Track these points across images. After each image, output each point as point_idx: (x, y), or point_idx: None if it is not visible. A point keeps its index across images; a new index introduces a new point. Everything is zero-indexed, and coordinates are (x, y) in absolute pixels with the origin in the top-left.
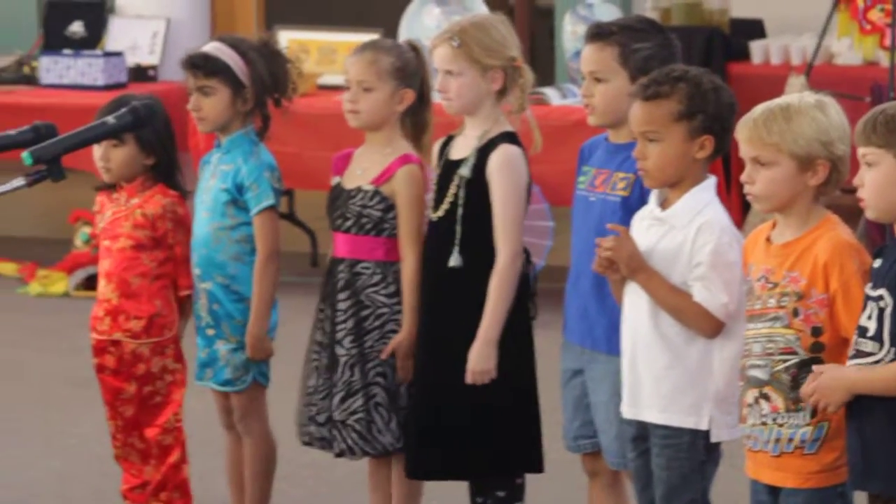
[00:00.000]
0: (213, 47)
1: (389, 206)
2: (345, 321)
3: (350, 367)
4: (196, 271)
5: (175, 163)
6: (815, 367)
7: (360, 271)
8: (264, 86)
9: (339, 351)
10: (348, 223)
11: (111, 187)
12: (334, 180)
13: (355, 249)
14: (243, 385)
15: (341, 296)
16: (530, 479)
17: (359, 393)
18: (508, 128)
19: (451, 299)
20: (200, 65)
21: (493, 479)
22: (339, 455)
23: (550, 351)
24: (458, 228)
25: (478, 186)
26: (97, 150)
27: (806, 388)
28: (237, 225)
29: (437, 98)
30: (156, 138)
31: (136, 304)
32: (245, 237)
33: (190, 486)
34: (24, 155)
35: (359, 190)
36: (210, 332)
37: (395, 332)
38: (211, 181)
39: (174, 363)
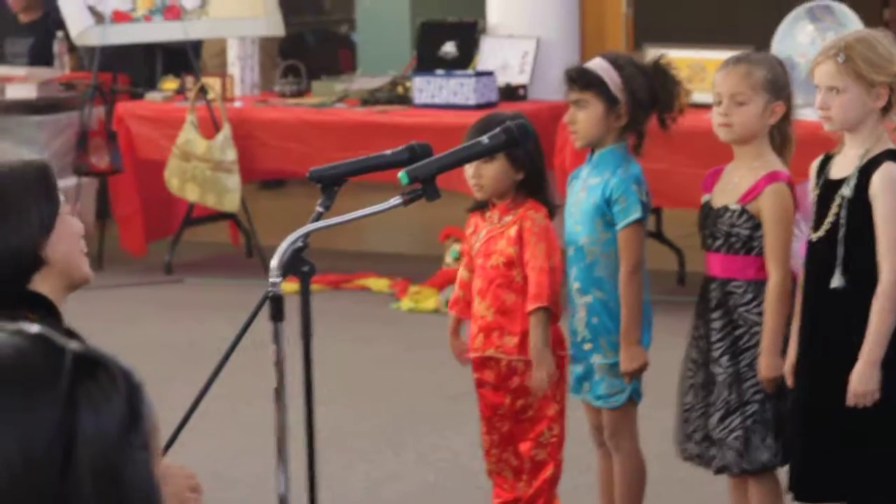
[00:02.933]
0: (593, 62)
1: (757, 225)
2: (720, 340)
3: (728, 385)
4: (575, 285)
5: (544, 177)
6: None
7: (731, 290)
8: (640, 103)
9: (716, 370)
10: (718, 242)
11: (483, 207)
12: (704, 198)
13: (727, 268)
14: (617, 402)
15: (715, 314)
16: None
17: (736, 412)
18: (891, 145)
19: (832, 321)
20: (576, 78)
21: (878, 500)
22: (719, 472)
23: None
24: (841, 249)
25: (860, 206)
26: (468, 168)
27: None
28: (608, 239)
29: (801, 114)
30: (525, 154)
31: (509, 320)
32: (616, 252)
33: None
34: (401, 174)
35: (726, 209)
36: (587, 346)
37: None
38: (581, 194)
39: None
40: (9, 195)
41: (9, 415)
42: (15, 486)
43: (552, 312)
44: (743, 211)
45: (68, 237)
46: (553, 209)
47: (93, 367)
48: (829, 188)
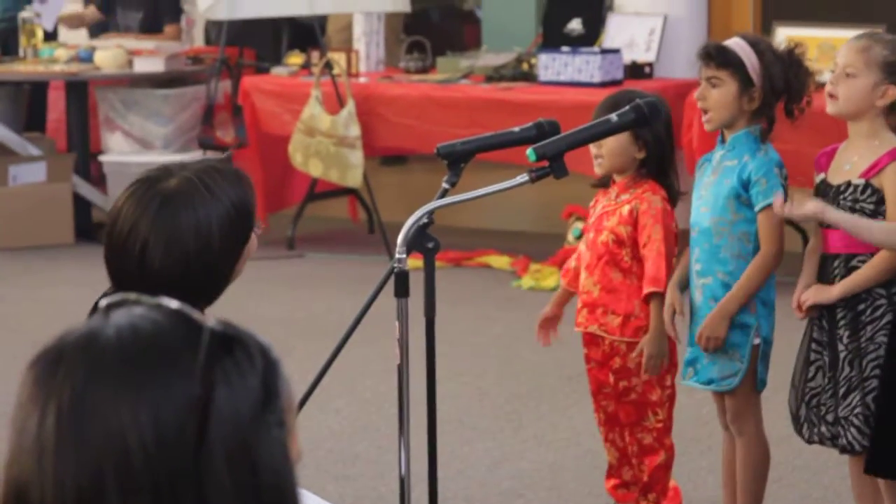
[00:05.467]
0: (732, 41)
1: (881, 199)
2: (843, 316)
3: (849, 362)
4: (696, 266)
5: (669, 160)
6: None
7: (856, 265)
8: (774, 88)
9: (839, 347)
10: None
11: (607, 185)
12: (818, 177)
13: (851, 244)
14: (728, 386)
15: None
16: None
17: (857, 389)
18: None
19: None
20: (713, 55)
21: None
22: (843, 451)
23: None
24: None
25: None
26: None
27: None
28: (739, 221)
29: None
30: (651, 133)
31: (614, 299)
32: (746, 234)
33: (678, 490)
34: (529, 152)
35: (848, 185)
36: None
37: (891, 322)
38: (712, 177)
39: None
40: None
41: (144, 391)
42: (149, 462)
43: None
44: (867, 185)
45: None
46: (675, 195)
47: (230, 343)
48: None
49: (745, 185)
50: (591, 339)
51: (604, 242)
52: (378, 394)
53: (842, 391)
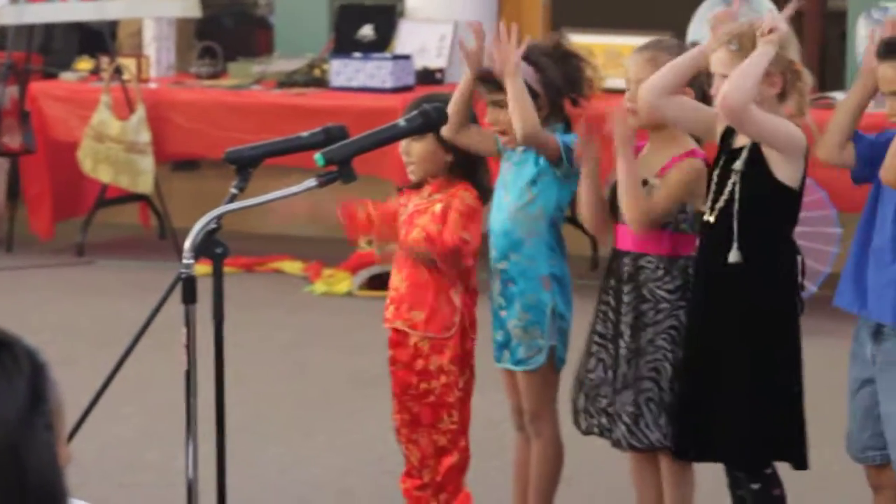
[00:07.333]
0: None
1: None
2: (626, 314)
3: (627, 361)
4: (493, 252)
5: (479, 160)
6: None
7: (643, 265)
8: (558, 90)
9: (621, 344)
10: None
11: (418, 187)
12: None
13: (640, 243)
14: (535, 364)
15: (626, 288)
16: (807, 490)
17: (631, 388)
18: None
19: (723, 297)
20: (491, 79)
21: (751, 470)
22: (615, 445)
23: (841, 360)
24: (736, 224)
25: (753, 180)
26: (401, 147)
27: None
28: (534, 200)
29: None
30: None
31: (420, 295)
32: (541, 213)
33: (469, 496)
34: (317, 157)
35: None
36: (503, 313)
37: (674, 328)
38: (512, 167)
39: (450, 365)
40: None
41: None
42: None
43: (463, 281)
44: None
45: None
46: (487, 193)
47: None
48: (727, 161)
49: (542, 165)
50: (397, 341)
51: (414, 240)
52: (168, 400)
53: (618, 386)
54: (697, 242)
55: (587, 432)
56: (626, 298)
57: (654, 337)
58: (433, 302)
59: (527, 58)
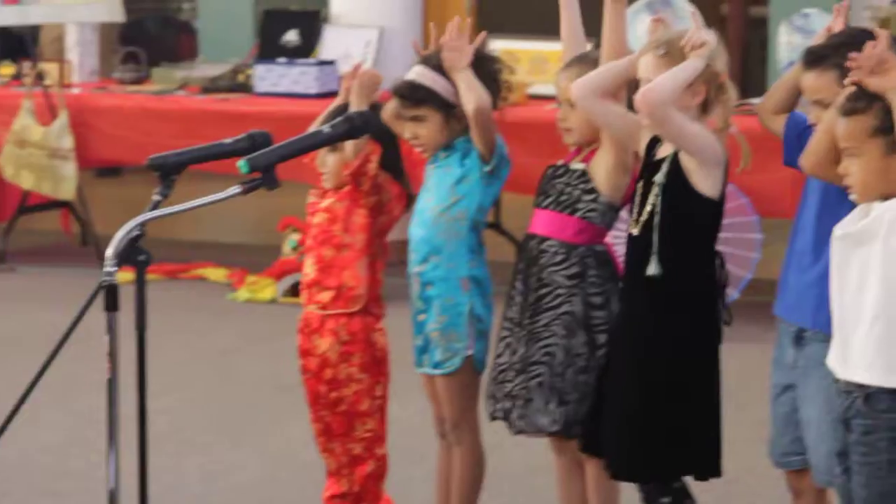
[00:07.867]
0: (418, 73)
1: (591, 189)
2: (529, 297)
3: (525, 343)
4: (412, 256)
5: (397, 166)
6: None
7: (545, 248)
8: None
9: (522, 328)
10: (548, 200)
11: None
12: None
13: (547, 227)
14: (452, 367)
15: (532, 270)
16: (728, 496)
17: (524, 371)
18: None
19: (642, 309)
20: (407, 94)
21: (660, 483)
22: (517, 433)
23: (762, 365)
24: (656, 236)
25: (674, 192)
26: (318, 156)
27: None
28: (458, 201)
29: None
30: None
31: (327, 276)
32: (464, 214)
33: (390, 501)
34: (241, 163)
35: (567, 168)
36: (421, 317)
37: (569, 314)
38: (437, 171)
39: (360, 373)
40: None
41: None
42: None
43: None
44: (584, 172)
45: None
46: (410, 198)
47: None
48: (649, 172)
49: (467, 154)
50: (305, 350)
51: (318, 223)
52: (92, 408)
53: (515, 370)
54: (623, 254)
55: (493, 417)
56: (530, 282)
57: (550, 322)
58: (338, 279)
59: (438, 67)
